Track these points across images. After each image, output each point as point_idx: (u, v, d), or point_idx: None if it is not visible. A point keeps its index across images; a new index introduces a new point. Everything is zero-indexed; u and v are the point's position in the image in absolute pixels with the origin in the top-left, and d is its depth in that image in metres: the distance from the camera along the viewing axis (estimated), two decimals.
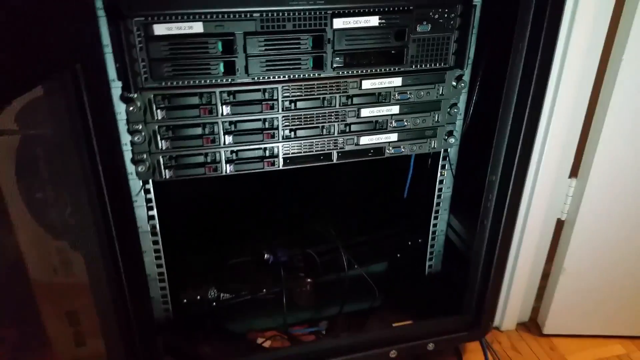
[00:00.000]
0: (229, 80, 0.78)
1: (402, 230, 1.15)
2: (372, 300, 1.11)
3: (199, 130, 0.81)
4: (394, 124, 0.90)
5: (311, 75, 0.82)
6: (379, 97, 0.87)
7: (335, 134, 0.88)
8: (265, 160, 0.86)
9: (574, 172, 1.07)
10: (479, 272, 0.96)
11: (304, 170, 0.90)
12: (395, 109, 0.89)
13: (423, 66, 0.86)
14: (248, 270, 1.07)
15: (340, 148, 0.89)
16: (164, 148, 0.81)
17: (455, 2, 0.82)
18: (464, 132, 0.98)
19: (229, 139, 0.83)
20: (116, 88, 0.75)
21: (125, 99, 0.76)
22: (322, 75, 0.82)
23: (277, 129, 0.84)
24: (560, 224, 1.13)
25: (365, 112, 0.88)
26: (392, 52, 0.84)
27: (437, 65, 0.87)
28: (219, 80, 0.78)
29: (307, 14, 0.76)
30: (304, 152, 0.88)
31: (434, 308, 1.06)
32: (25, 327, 0.75)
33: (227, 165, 0.85)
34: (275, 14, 0.75)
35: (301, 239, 1.11)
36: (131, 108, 0.76)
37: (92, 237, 0.71)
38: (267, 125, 0.84)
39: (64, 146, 0.66)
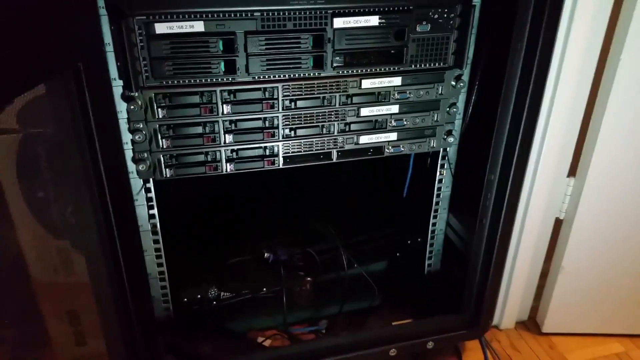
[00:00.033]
0: (230, 79, 0.79)
1: (402, 229, 1.16)
2: (371, 299, 1.12)
3: (199, 129, 0.81)
4: (394, 124, 0.91)
5: (311, 74, 0.82)
6: (378, 97, 0.88)
7: (335, 133, 0.88)
8: (265, 159, 0.87)
9: (572, 172, 1.08)
10: (478, 270, 0.97)
11: (304, 170, 0.90)
12: (394, 109, 0.89)
13: (422, 66, 0.86)
14: (248, 269, 1.08)
15: (340, 147, 0.90)
16: (164, 147, 0.81)
17: (455, 2, 0.83)
18: (463, 131, 0.98)
19: (229, 138, 0.83)
20: (117, 87, 0.75)
21: (126, 97, 0.76)
22: (322, 75, 0.83)
23: (277, 128, 0.85)
24: (558, 223, 1.14)
25: (365, 112, 0.88)
26: (392, 51, 0.84)
27: (437, 64, 0.87)
28: (219, 79, 0.78)
29: (308, 13, 0.77)
30: (304, 151, 0.88)
31: (434, 307, 1.07)
32: (26, 326, 0.75)
33: (228, 164, 0.85)
34: (275, 14, 0.76)
35: (301, 238, 1.12)
36: (132, 107, 0.76)
37: (93, 236, 0.71)
38: (267, 125, 0.84)
39: (66, 145, 0.66)
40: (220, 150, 0.84)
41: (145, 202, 0.86)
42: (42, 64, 0.52)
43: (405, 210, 1.14)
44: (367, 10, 0.79)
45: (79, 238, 0.76)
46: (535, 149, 1.01)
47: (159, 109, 0.78)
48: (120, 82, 0.75)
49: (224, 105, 0.80)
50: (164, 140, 0.81)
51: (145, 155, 0.81)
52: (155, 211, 0.87)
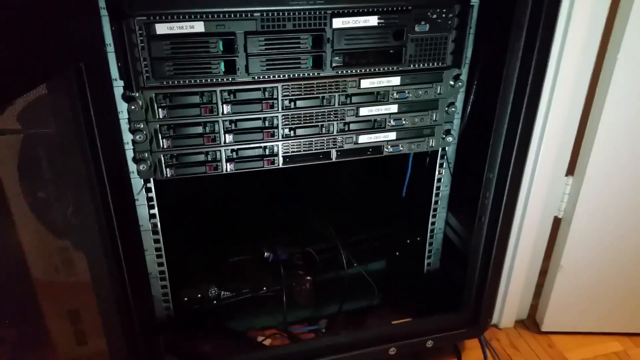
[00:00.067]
0: (230, 79, 0.79)
1: (401, 228, 1.16)
2: (371, 298, 1.12)
3: (199, 129, 0.82)
4: (393, 123, 0.91)
5: (311, 74, 0.83)
6: (377, 96, 0.88)
7: (335, 133, 0.89)
8: (265, 158, 0.87)
9: (570, 171, 1.08)
10: (477, 269, 0.97)
11: (304, 169, 0.91)
12: (393, 108, 0.90)
13: (421, 65, 0.87)
14: (248, 269, 1.08)
15: (339, 147, 0.90)
16: (165, 147, 0.81)
17: (453, 2, 0.83)
18: (462, 130, 0.99)
19: (229, 137, 0.84)
20: (118, 87, 0.75)
21: (127, 97, 0.76)
22: (321, 75, 0.83)
23: (277, 127, 0.85)
24: (557, 222, 1.14)
25: (364, 111, 0.89)
26: (391, 51, 0.85)
27: (435, 64, 0.88)
28: (219, 80, 0.79)
29: (307, 13, 0.77)
30: (304, 150, 0.89)
31: (433, 306, 1.07)
32: (27, 326, 0.75)
33: (228, 163, 0.85)
34: (275, 14, 0.76)
35: (301, 238, 1.12)
36: (133, 107, 0.76)
37: (94, 236, 0.71)
38: (267, 124, 0.85)
39: (67, 145, 0.67)
40: (220, 150, 0.84)
41: (146, 202, 0.86)
42: (45, 63, 0.52)
43: (405, 209, 1.14)
44: (366, 10, 0.80)
45: (80, 238, 0.76)
46: (534, 148, 1.01)
47: (160, 109, 0.79)
48: (121, 83, 0.75)
49: (224, 105, 0.81)
50: (164, 140, 0.81)
51: (146, 155, 0.81)
52: (155, 211, 0.87)
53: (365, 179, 1.24)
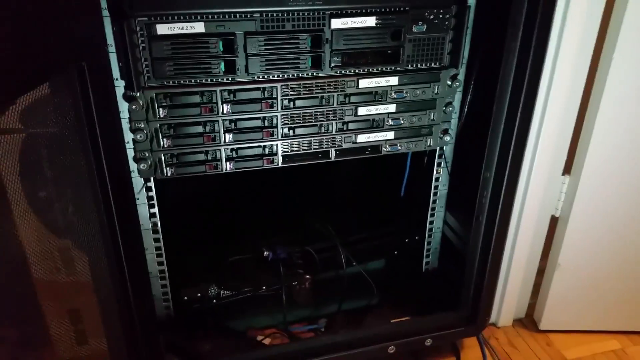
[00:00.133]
0: (230, 79, 0.80)
1: (400, 227, 1.17)
2: (370, 297, 1.13)
3: (199, 129, 0.83)
4: (391, 122, 0.92)
5: (310, 74, 0.84)
6: (375, 96, 0.89)
7: (333, 132, 0.90)
8: (264, 158, 0.88)
9: (567, 170, 1.09)
10: (475, 268, 0.98)
11: (303, 168, 0.91)
12: (391, 108, 0.91)
13: (419, 65, 0.88)
14: (248, 268, 1.09)
15: (338, 146, 0.91)
16: (165, 146, 0.82)
17: (450, 3, 0.84)
18: (459, 130, 1.00)
19: (229, 137, 0.84)
20: (119, 87, 0.76)
21: (127, 97, 0.77)
22: (320, 75, 0.84)
23: (276, 127, 0.86)
24: (554, 221, 1.15)
25: (363, 111, 0.89)
26: (389, 51, 0.85)
27: (433, 64, 0.89)
28: (219, 79, 0.79)
29: (306, 14, 0.78)
30: (303, 150, 0.89)
31: (432, 304, 1.08)
32: (27, 325, 0.75)
33: (227, 163, 0.86)
34: (274, 15, 0.77)
35: (300, 237, 1.13)
36: (134, 106, 0.77)
37: (95, 235, 0.72)
38: (266, 124, 0.86)
39: (69, 144, 0.67)
40: (220, 150, 0.85)
41: (146, 201, 0.87)
42: (48, 61, 0.53)
43: (403, 208, 1.15)
44: (364, 11, 0.80)
45: (81, 237, 0.77)
46: (531, 148, 1.02)
47: (160, 109, 0.79)
48: (122, 82, 0.76)
49: (224, 105, 0.82)
50: (164, 139, 0.82)
51: (147, 154, 0.82)
52: (156, 210, 0.88)
53: (364, 178, 1.25)
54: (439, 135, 0.96)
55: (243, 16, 0.76)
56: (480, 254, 0.97)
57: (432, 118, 0.94)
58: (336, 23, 0.80)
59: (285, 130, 0.87)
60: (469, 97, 0.96)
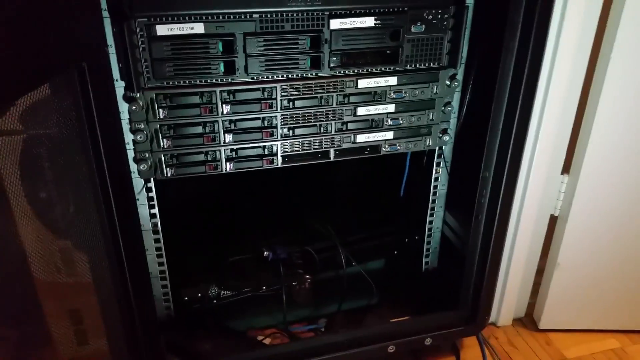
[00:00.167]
0: (229, 79, 0.80)
1: (399, 227, 1.17)
2: (370, 297, 1.13)
3: (199, 129, 0.83)
4: (390, 122, 0.92)
5: (309, 74, 0.84)
6: (374, 96, 0.89)
7: (333, 132, 0.90)
8: (264, 158, 0.88)
9: (566, 169, 1.10)
10: (474, 267, 0.98)
11: (303, 169, 0.92)
12: (390, 108, 0.91)
13: (417, 66, 0.88)
14: (248, 268, 1.09)
15: (337, 146, 0.91)
16: (165, 147, 0.82)
17: (448, 3, 0.84)
18: (458, 130, 1.00)
19: (228, 137, 0.85)
20: (119, 88, 0.76)
21: (127, 98, 0.77)
22: (319, 75, 0.84)
23: (275, 127, 0.86)
24: (553, 220, 1.15)
25: (362, 111, 0.90)
26: (388, 52, 0.86)
27: (431, 64, 0.89)
28: (219, 80, 0.80)
29: (305, 15, 0.79)
30: (302, 150, 0.90)
31: (431, 304, 1.08)
32: (27, 326, 0.76)
33: (227, 163, 0.86)
34: (274, 15, 0.77)
35: (300, 237, 1.13)
36: (134, 107, 0.77)
37: (96, 236, 0.72)
38: (266, 124, 0.86)
39: (69, 144, 0.67)
40: (220, 150, 0.85)
41: (147, 202, 0.87)
42: (49, 61, 0.53)
43: (403, 208, 1.15)
44: (362, 11, 0.81)
45: (82, 237, 0.77)
46: (529, 147, 1.03)
47: (160, 110, 0.80)
48: (122, 83, 0.76)
49: (224, 105, 0.82)
50: (164, 140, 0.82)
51: (147, 155, 0.82)
52: (156, 210, 0.88)
53: (363, 178, 1.25)
54: (438, 135, 0.97)
55: (242, 17, 0.76)
56: (479, 253, 0.97)
57: (431, 118, 0.94)
58: (335, 23, 0.80)
59: (285, 130, 0.87)
60: (467, 96, 0.97)
